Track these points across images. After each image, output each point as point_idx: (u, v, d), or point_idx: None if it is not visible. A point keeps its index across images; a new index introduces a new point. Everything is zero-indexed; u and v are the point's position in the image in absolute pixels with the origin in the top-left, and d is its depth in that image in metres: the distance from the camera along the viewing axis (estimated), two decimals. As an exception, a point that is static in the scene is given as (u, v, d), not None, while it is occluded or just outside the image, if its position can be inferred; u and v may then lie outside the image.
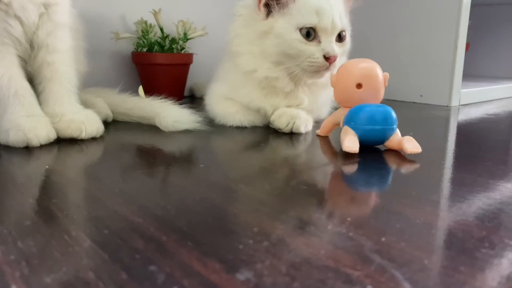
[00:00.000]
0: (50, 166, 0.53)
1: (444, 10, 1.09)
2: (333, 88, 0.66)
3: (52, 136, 0.64)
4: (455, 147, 0.66)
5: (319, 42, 0.70)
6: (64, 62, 0.70)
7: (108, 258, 0.29)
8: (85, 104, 0.74)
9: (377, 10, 1.25)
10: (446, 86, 1.12)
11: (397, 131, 0.60)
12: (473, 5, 1.11)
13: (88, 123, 0.67)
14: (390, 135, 0.60)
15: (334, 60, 0.70)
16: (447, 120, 0.93)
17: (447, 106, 1.12)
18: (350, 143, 0.58)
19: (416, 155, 0.58)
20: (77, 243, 0.31)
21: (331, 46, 0.70)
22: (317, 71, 0.71)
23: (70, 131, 0.66)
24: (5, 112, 0.63)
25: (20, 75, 0.64)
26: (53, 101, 0.68)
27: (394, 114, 0.60)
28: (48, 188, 0.45)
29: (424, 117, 0.96)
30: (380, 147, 0.63)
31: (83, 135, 0.66)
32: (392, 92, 1.22)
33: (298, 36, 0.70)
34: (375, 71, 0.62)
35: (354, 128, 0.60)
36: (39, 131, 0.62)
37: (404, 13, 1.19)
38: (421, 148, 0.57)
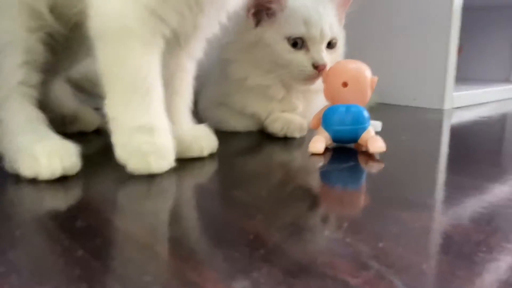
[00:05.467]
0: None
1: (436, 13, 1.10)
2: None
3: None
4: (449, 150, 0.67)
5: (308, 50, 0.70)
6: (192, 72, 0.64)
7: (101, 268, 0.28)
8: None
9: (369, 14, 1.25)
10: (439, 90, 1.12)
11: (370, 129, 0.62)
12: (465, 9, 1.12)
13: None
14: (361, 133, 0.62)
15: (323, 69, 0.69)
16: (440, 123, 0.93)
17: (440, 109, 1.12)
18: (316, 143, 0.62)
19: (411, 159, 0.58)
20: (69, 253, 0.31)
21: (319, 55, 0.69)
22: (308, 79, 0.71)
23: None
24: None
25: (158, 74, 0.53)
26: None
27: (365, 114, 0.62)
28: (39, 197, 0.44)
29: (417, 121, 0.96)
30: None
31: None
32: (385, 96, 1.22)
33: (285, 46, 0.69)
34: (362, 73, 0.63)
35: (326, 129, 0.63)
36: None
37: (397, 17, 1.20)
38: (416, 152, 0.57)
